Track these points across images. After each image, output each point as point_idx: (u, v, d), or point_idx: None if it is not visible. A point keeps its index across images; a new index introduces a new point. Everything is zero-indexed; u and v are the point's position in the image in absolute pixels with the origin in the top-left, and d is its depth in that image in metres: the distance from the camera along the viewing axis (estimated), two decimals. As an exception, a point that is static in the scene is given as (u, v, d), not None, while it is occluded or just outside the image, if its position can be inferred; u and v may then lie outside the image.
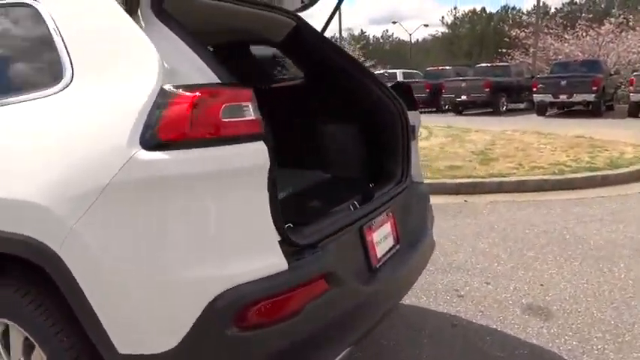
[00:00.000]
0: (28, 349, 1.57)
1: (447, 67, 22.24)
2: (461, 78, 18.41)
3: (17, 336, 1.57)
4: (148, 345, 1.35)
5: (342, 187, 2.43)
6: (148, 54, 1.39)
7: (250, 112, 1.38)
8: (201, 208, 1.33)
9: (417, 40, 59.97)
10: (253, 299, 1.37)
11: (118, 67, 1.45)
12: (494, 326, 2.78)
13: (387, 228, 2.10)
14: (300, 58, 2.74)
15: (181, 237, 1.32)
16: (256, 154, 1.38)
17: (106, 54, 1.49)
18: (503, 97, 17.47)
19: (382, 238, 2.04)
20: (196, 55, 1.44)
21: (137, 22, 1.48)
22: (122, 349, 1.35)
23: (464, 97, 17.35)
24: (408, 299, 3.11)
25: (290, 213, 1.91)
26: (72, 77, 1.48)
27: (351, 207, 2.04)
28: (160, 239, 1.31)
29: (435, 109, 19.23)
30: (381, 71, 25.18)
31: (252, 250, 1.40)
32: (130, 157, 1.29)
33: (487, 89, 16.79)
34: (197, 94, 1.32)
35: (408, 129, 2.49)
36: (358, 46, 37.72)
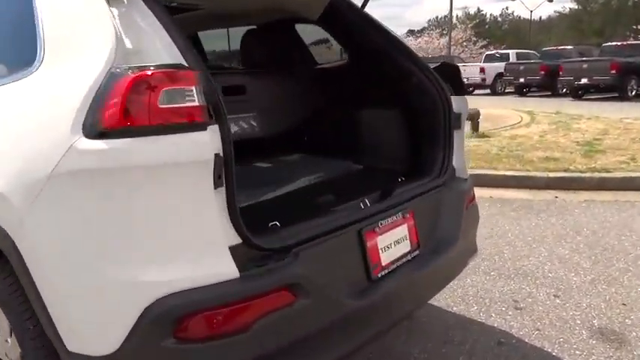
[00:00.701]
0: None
1: (568, 47, 20.13)
2: (582, 59, 16.57)
3: (2, 318, 1.60)
4: (91, 346, 1.28)
5: (364, 180, 2.20)
6: (105, 34, 1.29)
7: (194, 98, 1.22)
8: (137, 205, 1.21)
9: (540, 17, 55.36)
10: (194, 309, 1.23)
11: (80, 50, 1.37)
12: (550, 349, 2.39)
13: (400, 231, 1.84)
14: (340, 36, 2.52)
15: (117, 236, 1.22)
16: (199, 146, 1.22)
17: (70, 36, 1.41)
18: (633, 80, 15.43)
19: (392, 242, 1.79)
20: (168, 37, 1.31)
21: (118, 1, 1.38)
22: (70, 346, 1.30)
23: (584, 80, 15.60)
24: (455, 306, 2.80)
25: (283, 210, 1.74)
26: (41, 62, 1.43)
27: (362, 205, 1.81)
28: (97, 237, 1.22)
29: (550, 93, 17.60)
30: (492, 51, 23.59)
31: (196, 254, 1.26)
32: (70, 146, 1.21)
33: (614, 71, 14.92)
34: (133, 76, 1.19)
35: (450, 117, 2.18)
36: (470, 25, 35.71)
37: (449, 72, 2.28)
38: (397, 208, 1.85)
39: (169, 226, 1.23)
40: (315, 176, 2.16)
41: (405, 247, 1.86)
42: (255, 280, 1.32)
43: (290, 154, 2.49)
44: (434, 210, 2.06)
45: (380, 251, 1.73)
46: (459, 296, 2.93)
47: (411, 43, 35.68)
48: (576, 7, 52.90)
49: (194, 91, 1.22)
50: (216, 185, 1.26)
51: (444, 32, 32.71)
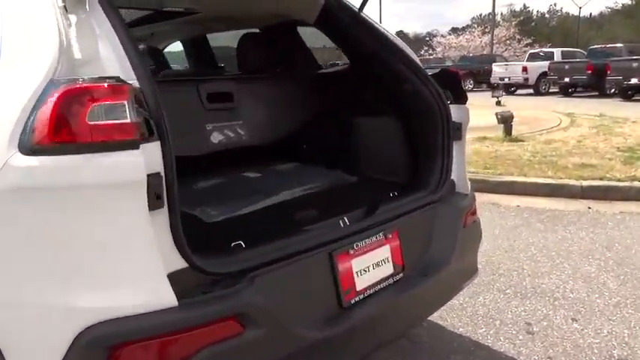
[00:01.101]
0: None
1: (617, 45, 19.15)
2: (632, 57, 15.70)
3: None
4: None
5: (351, 195, 2.06)
6: (52, 42, 1.22)
7: (126, 115, 1.13)
8: (67, 228, 1.13)
9: (590, 14, 53.08)
10: (126, 338, 1.14)
11: (28, 58, 1.30)
12: (559, 382, 2.19)
13: (381, 252, 1.69)
14: (337, 40, 2.39)
15: (46, 259, 1.14)
16: (130, 165, 1.13)
17: (20, 42, 1.34)
18: (692, 80, 14.51)
19: (371, 265, 1.65)
20: (120, 48, 1.23)
21: (80, 7, 1.31)
22: None
23: (634, 80, 14.79)
24: (462, 327, 2.62)
25: (253, 228, 1.63)
26: None
27: (341, 223, 1.68)
28: (27, 260, 1.15)
29: (597, 94, 16.78)
30: (536, 50, 22.75)
31: (130, 280, 1.16)
32: (5, 162, 1.14)
33: (666, 70, 14.09)
34: (63, 90, 1.11)
35: (448, 127, 2.02)
36: (514, 22, 34.60)
37: (448, 79, 2.11)
38: (378, 227, 1.71)
39: (100, 250, 1.14)
40: (302, 189, 2.04)
41: (387, 269, 1.71)
42: (196, 308, 1.22)
43: (283, 164, 2.39)
44: (425, 228, 1.90)
45: (354, 275, 1.60)
46: (468, 315, 2.75)
47: (452, 41, 34.97)
48: (629, 2, 50.37)
49: (126, 106, 1.13)
50: (154, 207, 1.17)
51: (487, 30, 31.85)
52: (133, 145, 1.12)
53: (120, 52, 1.23)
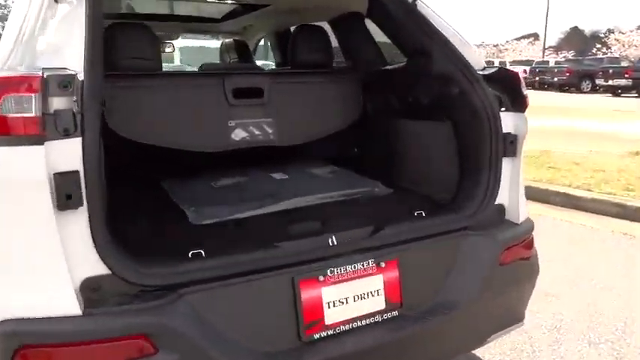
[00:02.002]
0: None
1: None
2: None
3: None
4: None
5: (364, 209, 1.79)
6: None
7: (31, 108, 1.07)
8: None
9: None
10: (21, 341, 1.09)
11: None
12: None
13: (369, 283, 1.43)
14: (388, 33, 2.12)
15: None
16: (32, 162, 1.07)
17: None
18: None
19: (352, 296, 1.41)
20: (83, 40, 1.21)
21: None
22: None
23: None
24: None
25: (229, 236, 1.49)
26: None
27: (329, 242, 1.46)
28: None
29: None
30: None
31: (29, 282, 1.12)
32: None
33: None
34: None
35: (497, 138, 1.66)
36: None
37: (506, 80, 1.72)
38: (370, 253, 1.44)
39: (3, 247, 1.10)
40: (318, 197, 1.83)
41: (375, 304, 1.44)
42: (101, 320, 1.13)
43: (317, 166, 2.19)
44: (443, 260, 1.57)
45: (324, 306, 1.37)
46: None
47: (633, 38, 30.50)
48: None
49: (33, 99, 1.07)
50: (64, 207, 1.10)
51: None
52: (36, 141, 1.07)
53: (80, 45, 1.20)
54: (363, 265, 1.43)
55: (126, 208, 1.69)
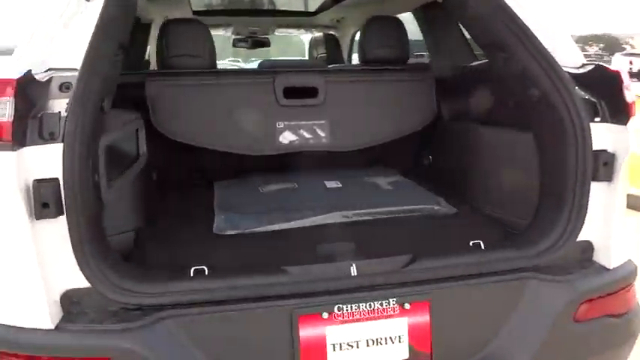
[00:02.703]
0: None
1: None
2: None
3: None
4: None
5: (409, 233, 1.49)
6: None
7: (5, 113, 1.01)
8: None
9: None
10: None
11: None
12: None
13: (390, 326, 1.18)
14: (465, 25, 1.80)
15: None
16: (3, 168, 1.02)
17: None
18: None
19: (365, 340, 1.18)
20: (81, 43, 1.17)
21: None
22: None
23: None
24: None
25: (245, 253, 1.35)
26: None
27: (352, 271, 1.25)
28: None
29: None
30: None
31: (6, 291, 1.08)
32: None
33: None
34: None
35: (585, 157, 1.30)
36: None
37: (604, 82, 1.33)
38: (393, 290, 1.19)
39: None
40: (365, 212, 1.58)
41: (396, 352, 1.18)
42: (71, 337, 1.06)
43: (377, 175, 1.93)
44: (492, 307, 1.26)
45: (328, 348, 1.15)
46: None
47: None
48: None
49: (7, 104, 1.01)
50: (41, 216, 1.04)
51: None
52: (7, 147, 1.01)
53: (82, 45, 1.14)
54: (381, 305, 1.17)
55: (160, 212, 1.62)
